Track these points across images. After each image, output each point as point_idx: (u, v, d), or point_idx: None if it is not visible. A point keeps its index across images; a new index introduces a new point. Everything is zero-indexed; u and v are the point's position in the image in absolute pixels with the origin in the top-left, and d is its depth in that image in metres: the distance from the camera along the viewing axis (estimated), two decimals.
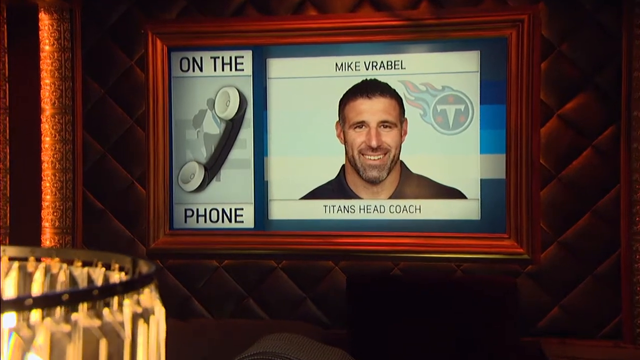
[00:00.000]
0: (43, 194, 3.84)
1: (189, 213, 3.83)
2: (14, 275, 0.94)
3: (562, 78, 3.56)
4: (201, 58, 3.79)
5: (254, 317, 3.79)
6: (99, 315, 0.69)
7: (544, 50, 3.55)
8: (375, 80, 3.68)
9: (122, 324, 0.71)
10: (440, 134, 3.65)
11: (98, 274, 0.92)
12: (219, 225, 3.81)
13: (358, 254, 3.71)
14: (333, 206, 3.74)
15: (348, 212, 3.73)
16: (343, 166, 3.74)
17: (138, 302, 0.74)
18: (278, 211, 3.78)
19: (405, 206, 3.69)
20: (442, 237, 3.64)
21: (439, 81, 3.65)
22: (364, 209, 3.72)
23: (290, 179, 3.76)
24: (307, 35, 3.70)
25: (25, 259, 0.95)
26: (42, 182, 3.84)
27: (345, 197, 3.74)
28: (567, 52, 3.55)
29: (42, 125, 3.84)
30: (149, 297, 0.77)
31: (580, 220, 3.57)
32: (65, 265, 0.95)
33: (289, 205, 3.77)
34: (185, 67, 3.81)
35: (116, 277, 0.91)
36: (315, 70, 3.73)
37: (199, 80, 3.80)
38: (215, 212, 3.81)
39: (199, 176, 3.81)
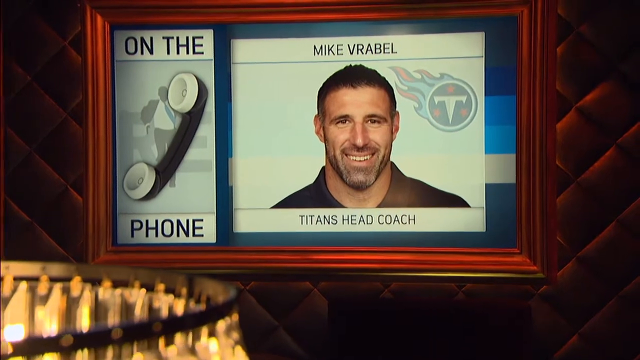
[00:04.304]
0: None
1: (137, 225, 3.77)
2: (21, 298, 0.85)
3: (582, 65, 3.57)
4: (151, 38, 3.75)
5: None
6: (192, 351, 0.61)
7: (560, 32, 3.55)
8: (361, 66, 3.67)
9: None
10: (438, 131, 3.64)
11: (136, 297, 0.83)
12: (174, 239, 3.76)
13: (341, 274, 3.68)
14: (311, 216, 3.71)
15: (329, 223, 3.71)
16: (323, 168, 3.72)
17: (228, 333, 0.67)
18: (245, 223, 3.73)
19: (396, 216, 3.67)
20: (440, 252, 3.63)
21: (437, 68, 3.64)
22: (347, 220, 3.70)
23: (260, 184, 3.73)
24: (279, 12, 3.66)
25: (37, 279, 0.86)
26: None
27: (326, 205, 3.71)
28: (587, 35, 3.56)
29: None
30: (234, 325, 0.70)
31: (603, 232, 3.58)
32: (89, 286, 0.86)
33: (258, 215, 3.73)
34: (131, 49, 3.75)
35: (163, 300, 0.83)
36: (289, 55, 3.70)
37: (148, 65, 3.75)
38: (169, 224, 3.76)
39: (148, 181, 3.76)
